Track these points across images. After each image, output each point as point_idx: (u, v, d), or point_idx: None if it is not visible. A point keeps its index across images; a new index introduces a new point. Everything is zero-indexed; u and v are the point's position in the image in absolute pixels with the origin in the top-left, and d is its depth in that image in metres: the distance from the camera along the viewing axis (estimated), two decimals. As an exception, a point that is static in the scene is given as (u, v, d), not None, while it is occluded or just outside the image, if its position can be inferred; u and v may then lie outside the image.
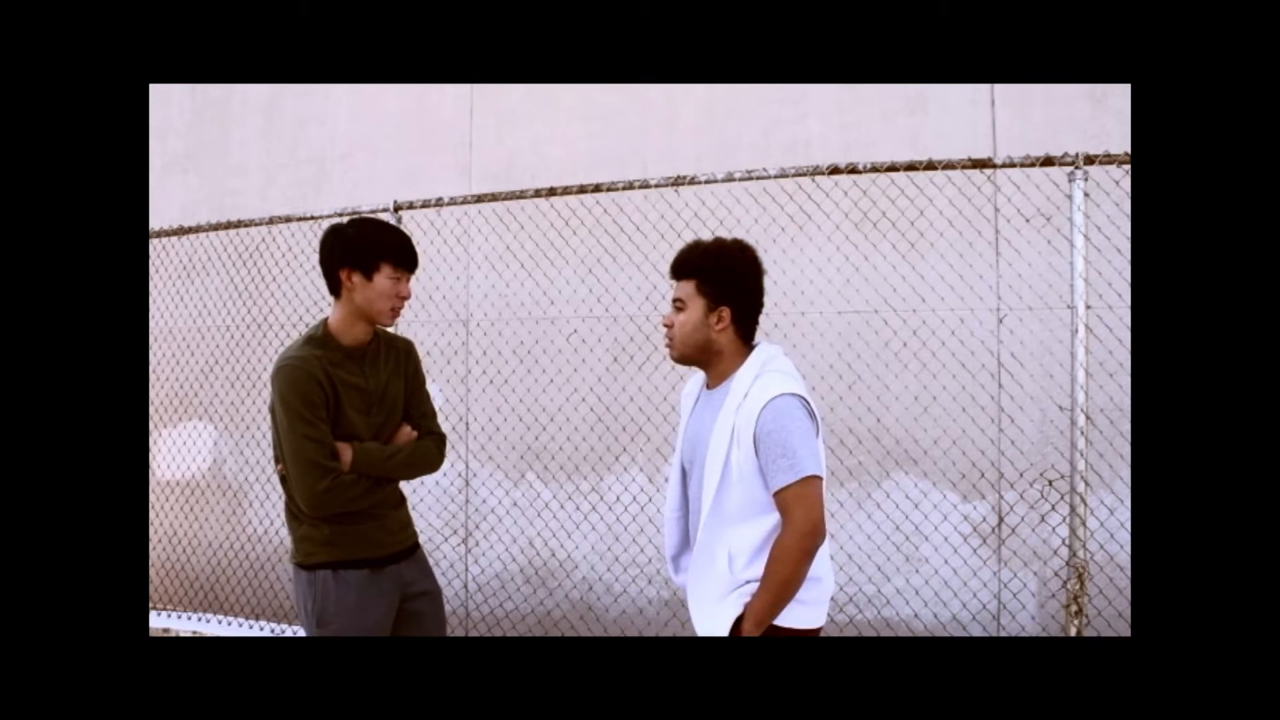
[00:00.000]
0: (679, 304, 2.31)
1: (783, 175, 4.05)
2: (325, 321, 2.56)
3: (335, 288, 2.51)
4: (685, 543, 2.42)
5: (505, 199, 4.65)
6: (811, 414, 2.20)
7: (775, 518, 2.18)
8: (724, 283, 2.29)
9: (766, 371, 2.24)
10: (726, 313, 2.28)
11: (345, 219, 2.53)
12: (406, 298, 2.53)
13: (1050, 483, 4.49)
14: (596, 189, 4.32)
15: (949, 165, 3.74)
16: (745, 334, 2.33)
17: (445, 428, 5.18)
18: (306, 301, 5.69)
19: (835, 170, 3.91)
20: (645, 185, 4.23)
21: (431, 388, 5.34)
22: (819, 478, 2.11)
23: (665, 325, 2.33)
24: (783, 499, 2.11)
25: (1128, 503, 4.28)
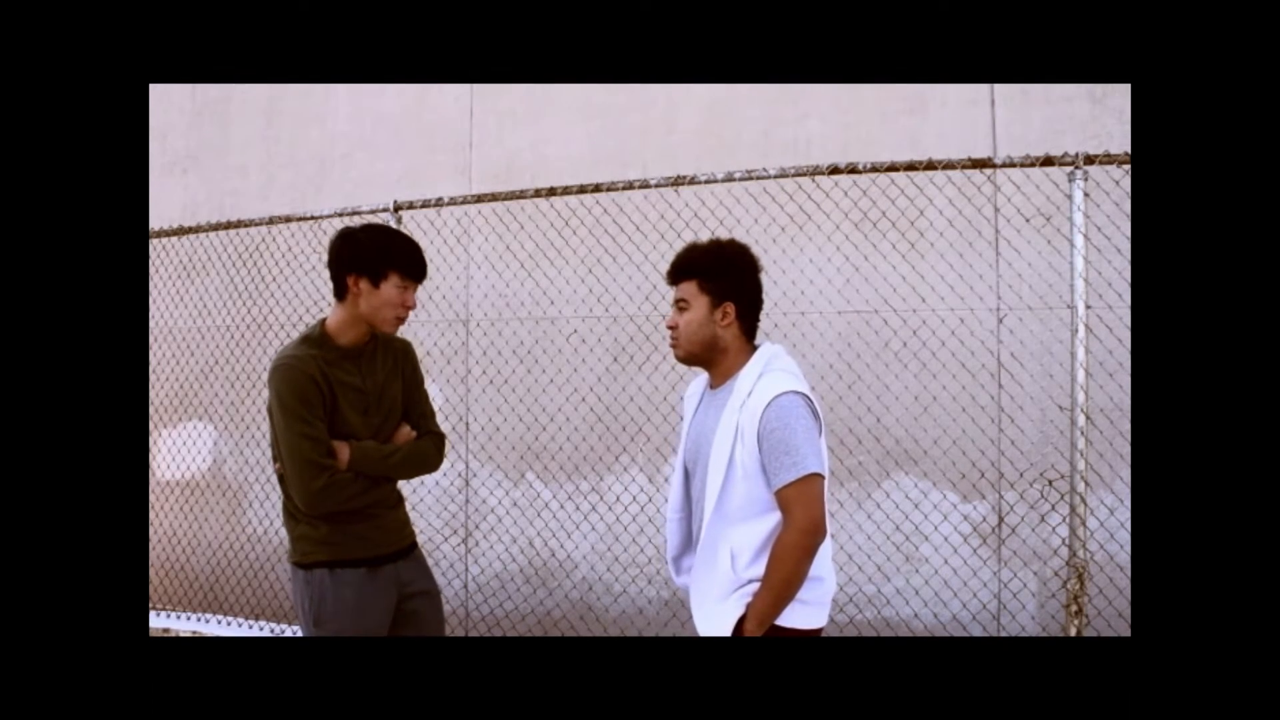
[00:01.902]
0: (682, 304, 2.32)
1: (783, 175, 4.05)
2: (323, 322, 2.54)
3: (341, 291, 2.51)
4: (687, 543, 2.42)
5: (505, 199, 4.65)
6: (815, 413, 2.20)
7: (777, 517, 2.18)
8: (726, 279, 2.31)
9: (770, 370, 2.24)
10: (731, 309, 2.31)
11: (348, 220, 2.55)
12: (411, 308, 2.52)
13: (1050, 483, 4.49)
14: (596, 189, 4.32)
15: (949, 165, 3.74)
16: (748, 331, 2.35)
17: (445, 428, 5.18)
18: (306, 301, 5.69)
19: (835, 170, 3.91)
20: (645, 185, 4.23)
21: (431, 388, 5.34)
22: (821, 476, 2.12)
23: (670, 327, 2.34)
24: (784, 497, 2.12)
25: (1128, 503, 4.28)
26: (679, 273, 2.34)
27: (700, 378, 2.48)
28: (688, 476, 2.41)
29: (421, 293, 5.38)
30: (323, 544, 2.48)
